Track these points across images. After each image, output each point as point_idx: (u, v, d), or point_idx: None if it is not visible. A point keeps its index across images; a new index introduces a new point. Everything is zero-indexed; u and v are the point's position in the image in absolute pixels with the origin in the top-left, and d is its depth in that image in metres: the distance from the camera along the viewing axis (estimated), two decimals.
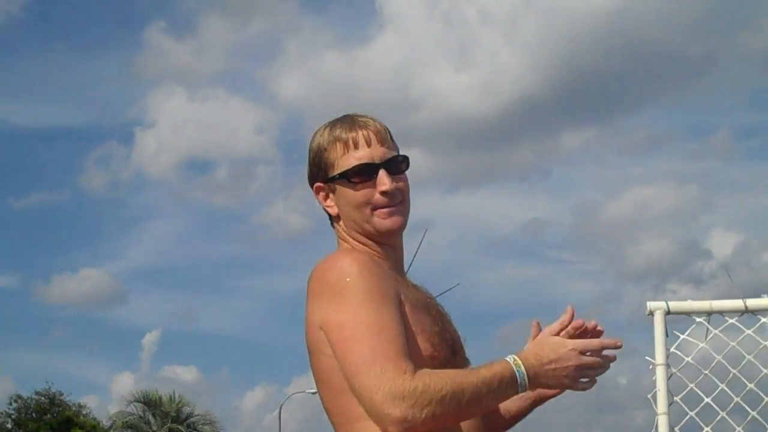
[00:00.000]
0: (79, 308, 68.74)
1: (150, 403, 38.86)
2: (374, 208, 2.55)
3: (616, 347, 2.49)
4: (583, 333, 2.50)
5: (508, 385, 2.34)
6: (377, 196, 2.54)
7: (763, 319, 4.23)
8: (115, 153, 73.52)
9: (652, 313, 4.39)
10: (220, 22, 72.99)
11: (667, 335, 4.37)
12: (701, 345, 4.34)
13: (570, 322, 2.49)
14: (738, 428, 4.26)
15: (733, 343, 4.27)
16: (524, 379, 2.36)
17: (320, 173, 2.61)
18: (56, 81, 72.80)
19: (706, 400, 4.29)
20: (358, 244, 2.59)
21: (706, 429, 4.29)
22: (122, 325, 71.51)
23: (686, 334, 4.37)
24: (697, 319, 4.33)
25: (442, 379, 2.25)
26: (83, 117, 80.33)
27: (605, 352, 2.48)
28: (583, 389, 2.49)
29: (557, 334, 2.47)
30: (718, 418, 4.29)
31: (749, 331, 4.23)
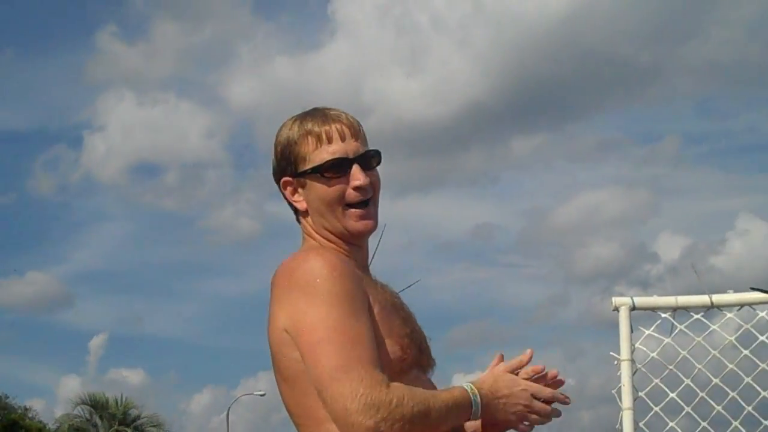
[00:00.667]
0: (25, 312, 67.97)
1: (97, 405, 38.48)
2: (347, 205, 2.50)
3: (565, 403, 2.49)
4: (540, 379, 2.50)
5: (464, 409, 2.33)
6: (350, 191, 2.49)
7: (729, 315, 4.26)
8: (64, 156, 72.81)
9: (617, 309, 4.41)
10: (172, 26, 72.44)
11: (632, 330, 4.38)
12: (666, 340, 4.36)
13: (527, 363, 2.49)
14: (703, 423, 4.28)
15: (699, 339, 4.30)
16: (478, 407, 2.35)
17: (289, 167, 2.53)
18: (4, 84, 72.01)
19: (671, 395, 4.32)
20: (325, 241, 2.53)
21: (671, 424, 4.31)
22: (69, 328, 70.81)
23: (651, 329, 4.39)
24: (663, 315, 4.35)
25: (414, 397, 2.22)
26: (32, 121, 79.26)
27: (554, 404, 2.48)
28: (522, 431, 2.48)
29: (514, 372, 2.47)
30: (684, 413, 4.32)
31: (715, 326, 4.26)
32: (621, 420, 4.34)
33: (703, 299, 4.25)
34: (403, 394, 2.20)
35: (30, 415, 42.18)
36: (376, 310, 2.39)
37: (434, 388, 2.47)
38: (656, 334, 4.39)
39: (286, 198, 2.59)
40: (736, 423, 4.25)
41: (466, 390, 2.36)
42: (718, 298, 4.23)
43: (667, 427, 4.33)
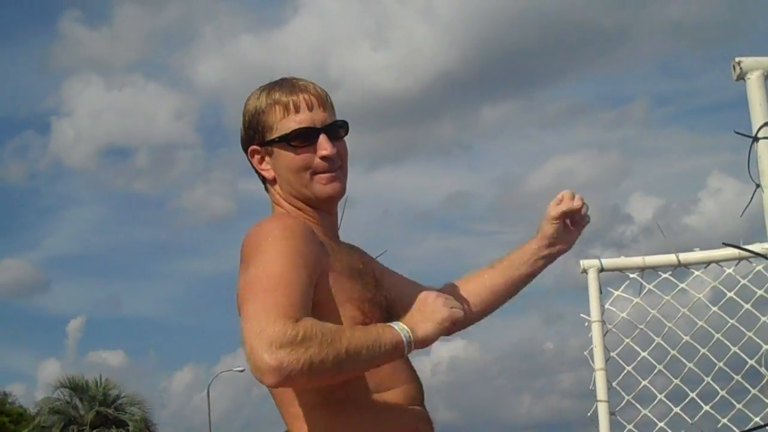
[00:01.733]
0: (1, 298, 67.64)
1: (76, 388, 38.37)
2: (314, 173, 2.50)
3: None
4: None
5: (388, 340, 2.26)
6: (317, 160, 2.49)
7: (696, 273, 4.28)
8: (32, 143, 72.32)
9: (585, 271, 4.42)
10: (135, 9, 72.05)
11: (601, 292, 4.40)
12: (635, 300, 4.37)
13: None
14: (675, 381, 4.31)
15: (668, 297, 4.32)
16: (405, 332, 2.28)
17: (256, 136, 2.53)
18: None
19: (643, 354, 4.34)
20: (293, 209, 2.53)
21: (643, 383, 4.33)
22: (46, 313, 70.60)
23: (620, 290, 4.40)
24: (631, 276, 4.36)
25: (324, 328, 2.16)
26: None
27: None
28: (458, 315, 2.42)
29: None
30: (655, 371, 4.34)
31: (683, 285, 4.28)
32: (594, 380, 4.36)
33: (671, 258, 4.26)
34: (312, 326, 2.14)
35: (10, 400, 42.13)
36: (333, 276, 2.39)
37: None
38: (626, 295, 4.40)
39: (253, 167, 2.58)
40: (708, 379, 4.28)
41: (390, 325, 2.30)
42: (685, 256, 4.24)
43: (640, 386, 4.36)
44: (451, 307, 2.38)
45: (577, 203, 2.73)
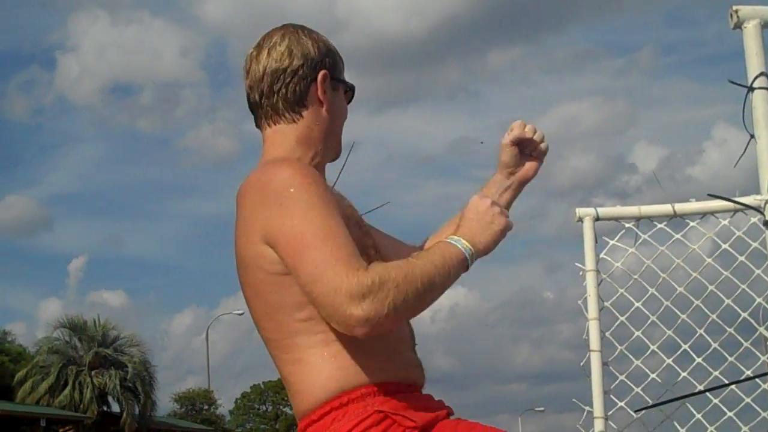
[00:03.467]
0: (2, 235, 67.75)
1: (75, 328, 38.58)
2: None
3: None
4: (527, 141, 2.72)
5: (454, 258, 2.31)
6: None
7: (692, 224, 4.25)
8: (38, 78, 71.94)
9: (581, 220, 4.40)
10: None
11: (596, 241, 4.38)
12: (630, 250, 4.36)
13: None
14: (668, 332, 4.30)
15: (663, 248, 4.30)
16: (464, 245, 2.34)
17: (331, 68, 2.54)
18: None
19: (636, 304, 4.33)
20: (301, 151, 2.51)
21: (636, 333, 4.33)
22: (48, 251, 70.81)
23: (616, 239, 4.38)
24: (626, 225, 4.34)
25: (395, 268, 2.21)
26: (3, 43, 78.25)
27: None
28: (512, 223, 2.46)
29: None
30: (649, 322, 4.33)
31: (678, 236, 4.25)
32: (588, 330, 4.35)
33: (666, 208, 4.23)
34: (383, 270, 2.19)
35: (9, 339, 42.35)
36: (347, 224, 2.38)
37: None
38: (621, 245, 4.39)
39: (308, 89, 2.51)
40: (701, 331, 4.27)
41: (448, 241, 2.36)
42: (680, 206, 4.21)
43: (633, 336, 4.35)
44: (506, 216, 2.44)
45: (528, 132, 2.72)
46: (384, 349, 2.38)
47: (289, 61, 2.49)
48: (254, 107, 2.55)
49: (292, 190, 2.29)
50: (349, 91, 2.60)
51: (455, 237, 2.36)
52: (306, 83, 2.50)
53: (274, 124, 2.53)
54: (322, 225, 2.24)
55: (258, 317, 2.43)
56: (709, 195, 3.77)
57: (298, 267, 2.23)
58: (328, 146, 2.55)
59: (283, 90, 2.49)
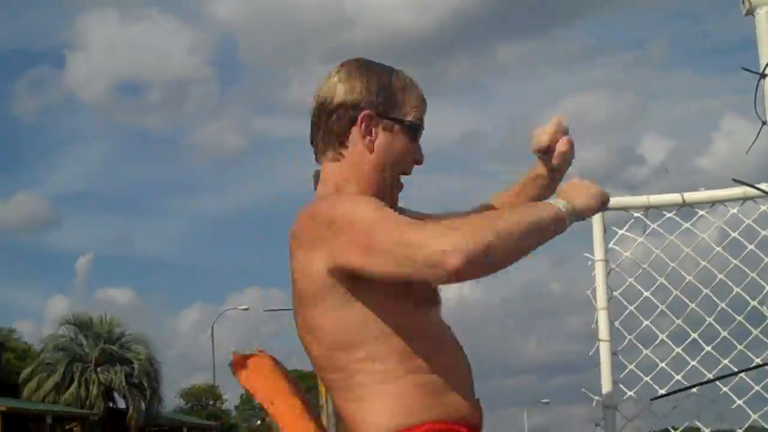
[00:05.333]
0: (11, 234, 67.79)
1: (81, 325, 38.61)
2: (403, 171, 2.52)
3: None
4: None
5: (551, 213, 2.32)
6: (413, 162, 2.52)
7: (701, 213, 4.25)
8: (47, 77, 71.97)
9: None
10: None
11: (605, 231, 4.38)
12: (639, 240, 4.36)
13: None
14: (678, 321, 4.30)
15: (671, 237, 4.30)
16: (561, 201, 2.37)
17: (380, 106, 2.45)
18: None
19: (645, 294, 4.33)
20: (350, 189, 2.46)
21: (645, 323, 4.33)
22: (55, 249, 70.86)
23: (624, 229, 4.38)
24: (635, 214, 4.34)
25: (478, 217, 2.32)
26: (13, 41, 78.26)
27: None
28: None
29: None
30: (657, 311, 4.33)
31: (687, 225, 4.26)
32: (596, 320, 4.36)
33: (675, 197, 4.23)
34: (472, 222, 2.21)
35: (15, 336, 42.41)
36: None
37: (444, 324, 2.51)
38: (630, 234, 4.39)
39: (347, 128, 2.48)
40: (710, 320, 4.27)
41: (546, 201, 2.41)
42: (690, 195, 4.21)
43: (642, 326, 4.35)
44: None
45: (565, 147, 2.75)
46: (448, 389, 2.36)
47: (331, 98, 2.46)
48: (310, 139, 2.55)
49: (348, 201, 2.33)
50: (410, 128, 2.49)
51: (559, 199, 2.39)
52: (343, 123, 2.46)
53: (324, 158, 2.52)
54: (389, 216, 2.24)
55: (314, 355, 2.41)
56: (734, 180, 3.75)
57: (369, 249, 2.19)
58: (379, 185, 2.47)
59: (323, 127, 2.48)
